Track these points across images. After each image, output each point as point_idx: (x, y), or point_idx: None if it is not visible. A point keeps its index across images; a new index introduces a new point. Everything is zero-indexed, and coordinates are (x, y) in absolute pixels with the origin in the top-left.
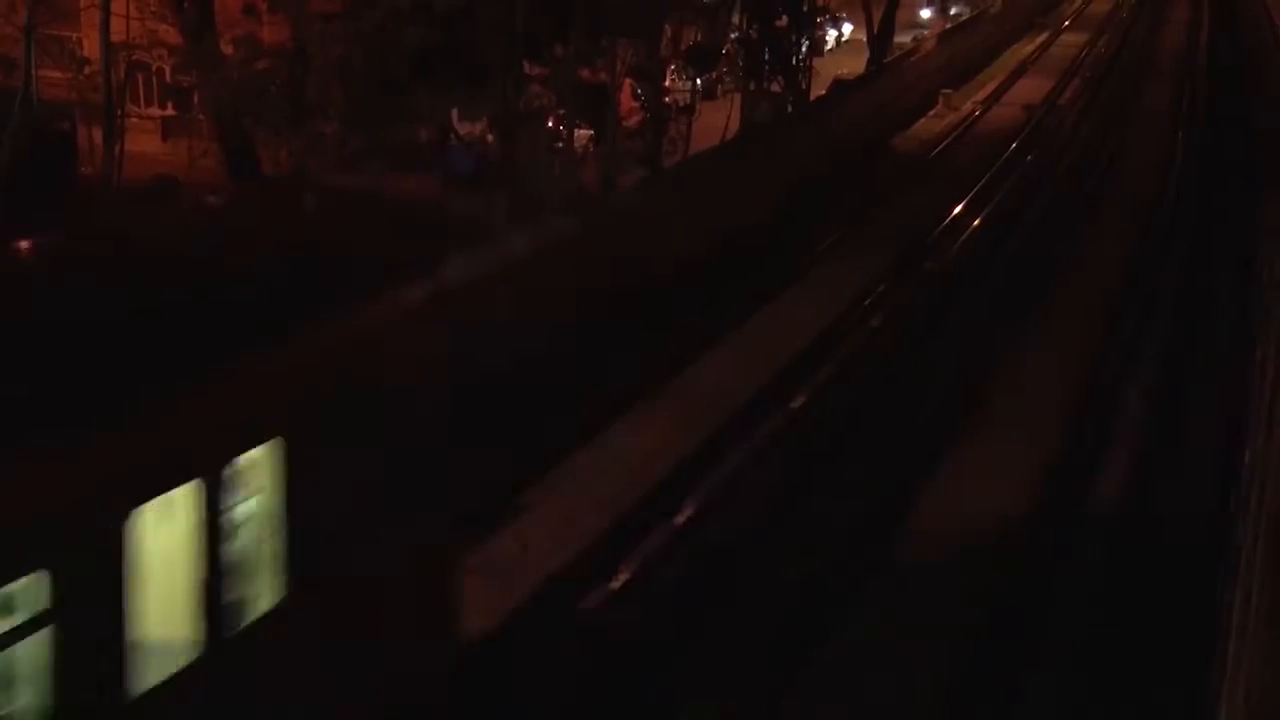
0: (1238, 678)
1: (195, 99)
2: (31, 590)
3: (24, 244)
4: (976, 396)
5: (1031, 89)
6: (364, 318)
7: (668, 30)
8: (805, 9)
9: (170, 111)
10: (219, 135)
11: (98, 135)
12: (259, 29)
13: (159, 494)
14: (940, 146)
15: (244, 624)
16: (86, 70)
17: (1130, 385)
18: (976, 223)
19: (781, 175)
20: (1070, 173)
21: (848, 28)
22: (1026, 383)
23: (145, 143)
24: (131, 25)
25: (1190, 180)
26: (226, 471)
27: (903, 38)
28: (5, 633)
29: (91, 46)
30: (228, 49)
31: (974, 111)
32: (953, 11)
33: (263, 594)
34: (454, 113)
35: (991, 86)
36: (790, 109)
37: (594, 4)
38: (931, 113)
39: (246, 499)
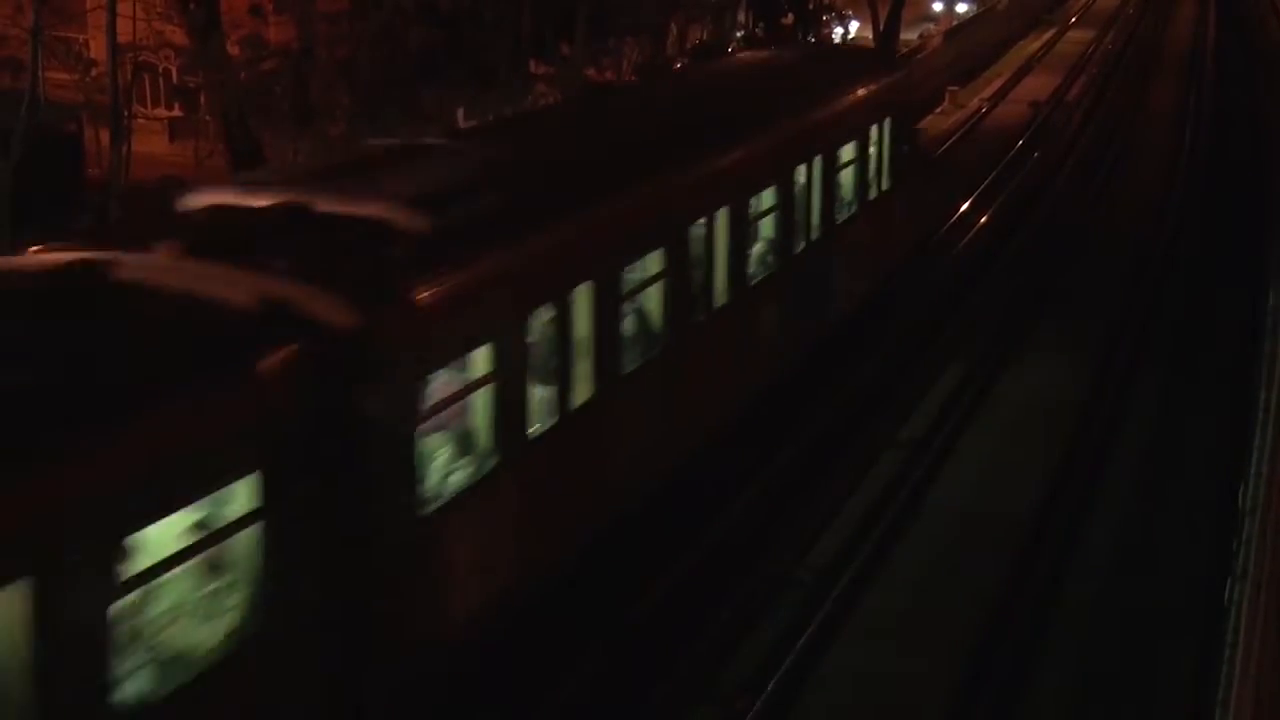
0: (1246, 678)
1: (202, 100)
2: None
3: (31, 245)
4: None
5: (1038, 86)
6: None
7: (673, 29)
8: (811, 7)
9: (177, 112)
10: (226, 136)
11: (104, 137)
12: (265, 29)
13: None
14: (947, 144)
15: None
16: (93, 72)
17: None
18: (983, 220)
19: None
20: (1077, 169)
21: (854, 25)
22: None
23: (152, 144)
24: (138, 26)
25: (1197, 178)
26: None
27: (910, 34)
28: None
29: (98, 48)
30: (234, 50)
31: (980, 109)
32: (961, 9)
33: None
34: (460, 112)
35: (998, 84)
36: None
37: (600, 3)
38: (938, 110)
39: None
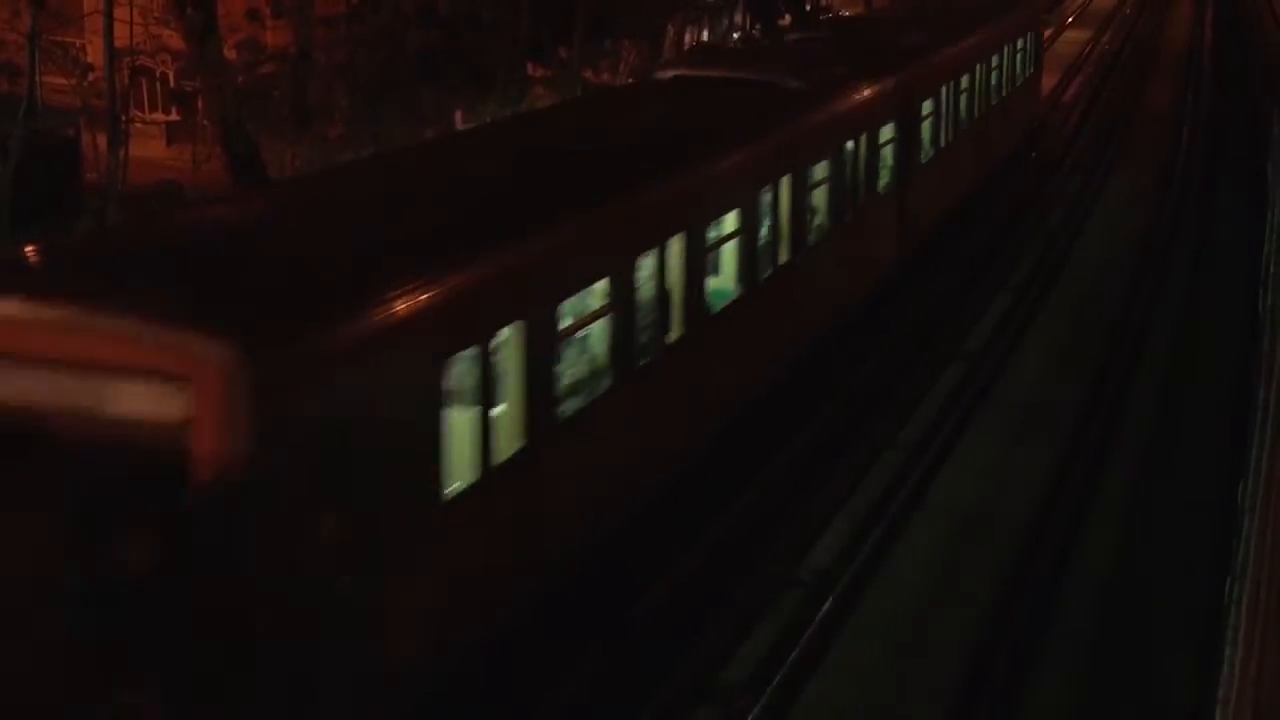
0: (1246, 674)
1: (199, 104)
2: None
3: (30, 248)
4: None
5: None
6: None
7: (671, 30)
8: (808, 7)
9: (174, 116)
10: (223, 140)
11: (102, 141)
12: (262, 33)
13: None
14: None
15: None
16: (91, 76)
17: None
18: (984, 219)
19: None
20: (1075, 169)
21: None
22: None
23: (149, 148)
24: (135, 31)
25: (1195, 177)
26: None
27: None
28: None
29: (95, 53)
30: (231, 54)
31: None
32: None
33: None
34: (458, 115)
35: None
36: None
37: (598, 6)
38: None
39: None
